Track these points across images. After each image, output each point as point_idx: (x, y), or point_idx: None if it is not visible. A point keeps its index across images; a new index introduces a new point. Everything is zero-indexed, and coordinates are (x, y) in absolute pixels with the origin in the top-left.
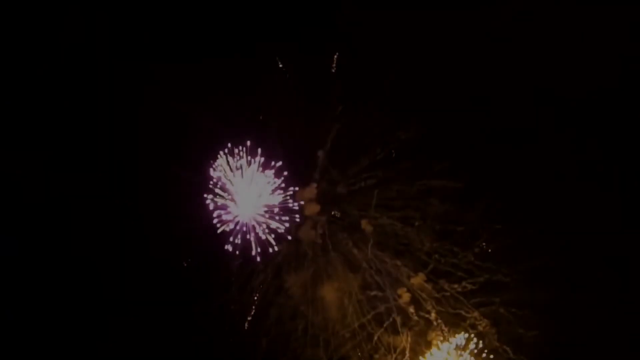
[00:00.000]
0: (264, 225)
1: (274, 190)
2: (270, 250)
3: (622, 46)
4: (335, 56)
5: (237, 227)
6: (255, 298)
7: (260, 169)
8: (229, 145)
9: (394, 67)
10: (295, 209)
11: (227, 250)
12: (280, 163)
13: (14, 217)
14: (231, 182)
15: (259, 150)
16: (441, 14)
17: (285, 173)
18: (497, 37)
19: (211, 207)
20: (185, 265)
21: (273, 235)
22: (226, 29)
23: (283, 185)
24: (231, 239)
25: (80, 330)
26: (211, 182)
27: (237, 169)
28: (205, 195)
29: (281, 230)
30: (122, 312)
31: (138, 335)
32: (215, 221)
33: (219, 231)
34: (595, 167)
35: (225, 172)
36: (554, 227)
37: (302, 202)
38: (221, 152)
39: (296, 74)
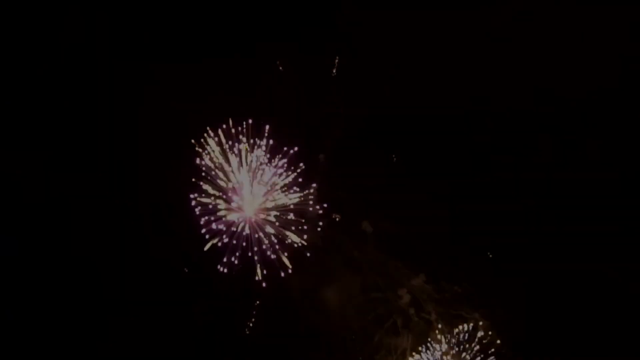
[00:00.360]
0: (273, 238)
1: (288, 187)
2: (283, 274)
3: (622, 46)
4: (336, 60)
5: (234, 241)
6: (257, 301)
7: (268, 155)
8: (224, 125)
9: (394, 67)
10: (319, 213)
11: (221, 271)
12: (296, 148)
13: (14, 217)
14: (226, 174)
15: (267, 128)
16: (441, 14)
17: (302, 165)
18: (497, 37)
19: (198, 210)
20: (186, 270)
21: (286, 254)
22: (226, 29)
23: (300, 180)
24: (225, 259)
25: (80, 330)
26: (198, 175)
27: (236, 155)
28: (190, 196)
29: (298, 244)
30: (122, 312)
31: (138, 335)
32: (203, 231)
33: (206, 247)
34: (595, 167)
35: (217, 159)
36: (554, 228)
37: (325, 205)
38: (212, 132)
39: (296, 74)
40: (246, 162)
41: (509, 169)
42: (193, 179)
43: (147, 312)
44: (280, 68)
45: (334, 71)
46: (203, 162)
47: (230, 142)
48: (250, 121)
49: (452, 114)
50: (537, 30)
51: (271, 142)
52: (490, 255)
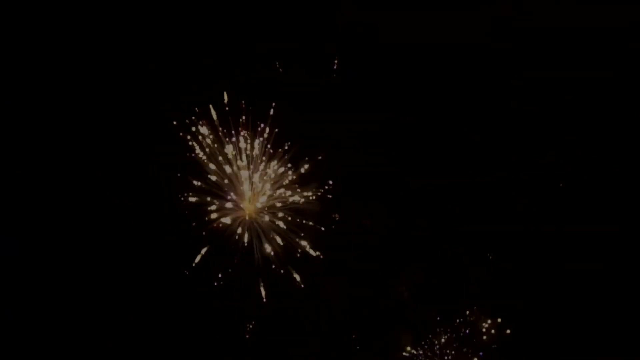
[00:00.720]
0: (280, 248)
1: (301, 186)
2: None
3: (622, 46)
4: (336, 60)
5: (232, 246)
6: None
7: (270, 148)
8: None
9: (394, 67)
10: (319, 212)
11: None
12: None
13: (14, 217)
14: (220, 166)
15: (271, 111)
16: (441, 14)
17: (320, 157)
18: (497, 37)
19: (187, 212)
20: (186, 272)
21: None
22: (226, 29)
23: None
24: (220, 274)
25: (80, 330)
26: (189, 171)
27: (233, 145)
28: (179, 196)
29: (310, 251)
30: (122, 312)
31: (138, 335)
32: (195, 235)
33: (195, 263)
34: (595, 167)
35: (212, 151)
36: (554, 228)
37: (326, 205)
38: (204, 119)
39: (296, 74)
40: (245, 150)
41: (509, 168)
42: (178, 174)
43: (147, 312)
44: (280, 69)
45: (334, 70)
46: (194, 155)
47: (225, 130)
48: (250, 108)
49: (452, 114)
50: (537, 30)
51: (276, 130)
52: (490, 256)
